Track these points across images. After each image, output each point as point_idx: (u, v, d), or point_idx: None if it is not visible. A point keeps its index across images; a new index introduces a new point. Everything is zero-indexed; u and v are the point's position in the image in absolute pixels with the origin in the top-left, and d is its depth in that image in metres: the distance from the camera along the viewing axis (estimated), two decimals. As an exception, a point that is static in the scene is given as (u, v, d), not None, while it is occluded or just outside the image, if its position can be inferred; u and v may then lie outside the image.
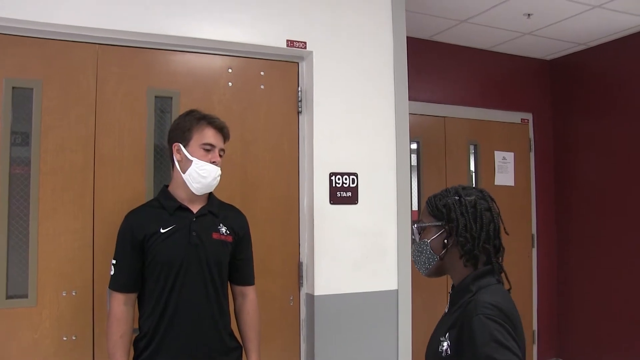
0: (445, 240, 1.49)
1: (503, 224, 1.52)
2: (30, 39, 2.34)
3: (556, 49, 4.57)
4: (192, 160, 2.01)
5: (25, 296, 2.28)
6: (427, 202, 1.57)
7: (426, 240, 1.52)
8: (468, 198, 1.49)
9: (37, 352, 2.27)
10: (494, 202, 1.52)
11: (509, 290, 1.48)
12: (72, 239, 2.35)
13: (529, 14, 3.72)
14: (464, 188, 1.54)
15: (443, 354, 1.40)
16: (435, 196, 1.56)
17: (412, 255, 1.57)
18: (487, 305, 1.32)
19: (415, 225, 1.58)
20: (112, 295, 2.02)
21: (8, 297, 2.26)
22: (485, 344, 1.25)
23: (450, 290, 1.58)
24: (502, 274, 1.49)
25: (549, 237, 4.77)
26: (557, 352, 4.74)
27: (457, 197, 1.50)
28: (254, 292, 2.23)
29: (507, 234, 1.53)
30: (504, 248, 1.51)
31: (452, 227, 1.47)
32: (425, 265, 1.53)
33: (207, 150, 2.03)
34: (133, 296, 2.03)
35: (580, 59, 4.59)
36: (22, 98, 2.33)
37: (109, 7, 2.39)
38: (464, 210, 1.47)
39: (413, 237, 1.61)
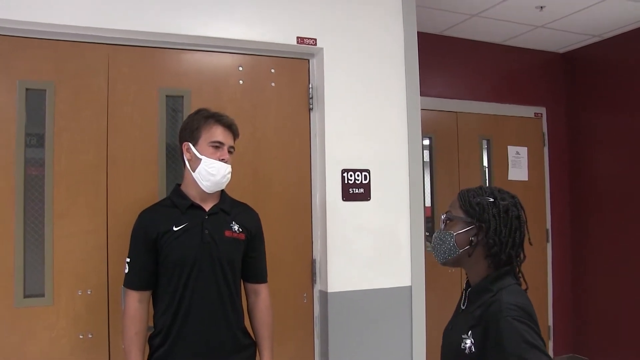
0: (472, 238, 1.50)
1: (528, 233, 1.54)
2: (43, 41, 2.36)
3: (569, 42, 4.51)
4: (201, 159, 2.02)
5: (42, 295, 2.31)
6: (459, 196, 1.57)
7: (452, 232, 1.53)
8: (502, 202, 1.50)
9: (55, 350, 2.29)
10: (524, 210, 1.54)
11: (525, 290, 1.51)
12: (86, 238, 2.38)
13: (541, 7, 3.68)
14: (499, 191, 1.55)
15: (467, 351, 1.43)
16: (469, 191, 1.56)
17: (433, 242, 1.59)
18: (513, 307, 1.36)
19: (444, 215, 1.58)
20: (126, 293, 2.04)
21: (26, 296, 2.29)
22: (516, 346, 1.30)
23: (464, 286, 1.60)
24: (521, 275, 1.53)
25: (563, 232, 4.73)
26: (573, 348, 4.70)
27: (492, 199, 1.51)
28: (267, 290, 2.23)
29: (531, 244, 1.56)
30: (525, 256, 1.53)
31: (482, 227, 1.49)
32: (445, 255, 1.54)
33: (216, 148, 2.04)
34: (147, 294, 2.04)
35: (595, 51, 4.53)
36: (35, 100, 2.35)
37: (119, 8, 2.40)
38: (496, 213, 1.49)
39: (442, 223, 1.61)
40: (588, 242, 4.60)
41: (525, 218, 1.53)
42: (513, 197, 1.54)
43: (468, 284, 1.58)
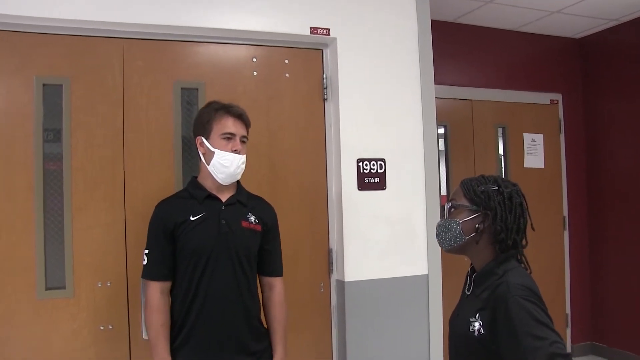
0: (478, 225, 1.54)
1: (531, 219, 1.59)
2: (58, 37, 2.38)
3: (586, 27, 4.44)
4: (214, 152, 2.03)
5: (63, 287, 2.35)
6: (463, 185, 1.61)
7: (458, 220, 1.56)
8: (506, 190, 1.55)
9: (77, 341, 2.33)
10: (524, 198, 1.59)
11: (529, 273, 1.55)
12: (104, 231, 2.40)
13: (556, -9, 3.64)
14: (501, 179, 1.59)
15: (475, 334, 1.46)
16: (472, 180, 1.60)
17: (437, 229, 1.63)
18: (520, 287, 1.40)
19: (449, 204, 1.61)
20: (148, 285, 2.03)
21: (47, 288, 2.33)
22: (524, 323, 1.33)
23: (468, 272, 1.65)
24: (524, 260, 1.58)
25: (580, 219, 4.68)
26: (591, 336, 4.67)
27: (496, 187, 1.56)
28: (282, 284, 2.22)
29: (534, 230, 1.61)
30: (527, 242, 1.59)
31: (488, 214, 1.53)
32: (450, 242, 1.58)
33: (228, 139, 2.04)
34: (168, 284, 2.05)
35: (612, 36, 4.46)
36: (52, 95, 2.38)
37: (133, 1, 2.41)
38: (501, 200, 1.53)
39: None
40: (605, 229, 4.55)
41: (527, 205, 1.57)
42: (514, 184, 1.59)
43: (472, 270, 1.63)
